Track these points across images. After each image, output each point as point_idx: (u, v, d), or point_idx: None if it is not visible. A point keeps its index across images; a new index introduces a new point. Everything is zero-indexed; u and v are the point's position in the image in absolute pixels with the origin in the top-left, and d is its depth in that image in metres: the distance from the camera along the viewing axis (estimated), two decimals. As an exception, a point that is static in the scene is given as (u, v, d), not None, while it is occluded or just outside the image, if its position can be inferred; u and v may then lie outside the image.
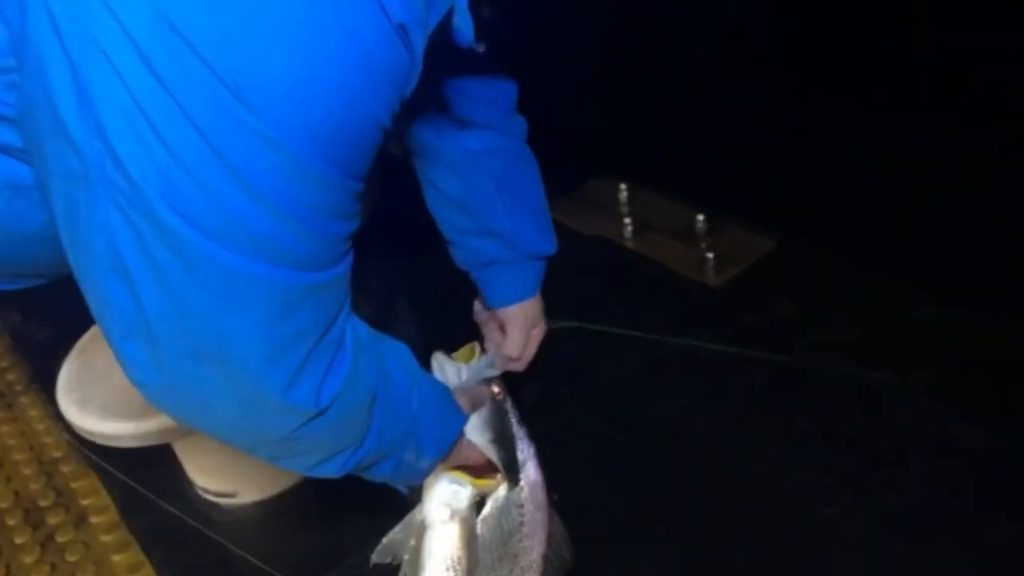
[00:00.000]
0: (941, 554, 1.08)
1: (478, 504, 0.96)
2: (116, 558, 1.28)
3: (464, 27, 0.75)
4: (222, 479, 1.32)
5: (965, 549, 1.07)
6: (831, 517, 1.14)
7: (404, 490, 0.93)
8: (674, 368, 1.40)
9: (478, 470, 0.95)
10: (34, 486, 1.43)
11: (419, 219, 1.28)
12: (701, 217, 1.72)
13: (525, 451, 0.99)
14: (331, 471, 0.81)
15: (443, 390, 0.93)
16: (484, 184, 1.13)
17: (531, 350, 1.22)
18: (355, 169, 0.67)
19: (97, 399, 1.20)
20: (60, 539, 1.33)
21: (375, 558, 0.94)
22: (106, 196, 0.61)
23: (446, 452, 0.91)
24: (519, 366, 1.20)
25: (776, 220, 1.67)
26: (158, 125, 0.59)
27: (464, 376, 0.99)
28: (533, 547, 0.98)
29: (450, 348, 1.05)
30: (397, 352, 0.86)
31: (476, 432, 0.95)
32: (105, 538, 1.32)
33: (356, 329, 0.78)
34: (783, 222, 1.66)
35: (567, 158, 1.85)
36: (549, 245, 1.19)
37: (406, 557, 0.93)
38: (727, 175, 1.76)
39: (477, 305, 1.26)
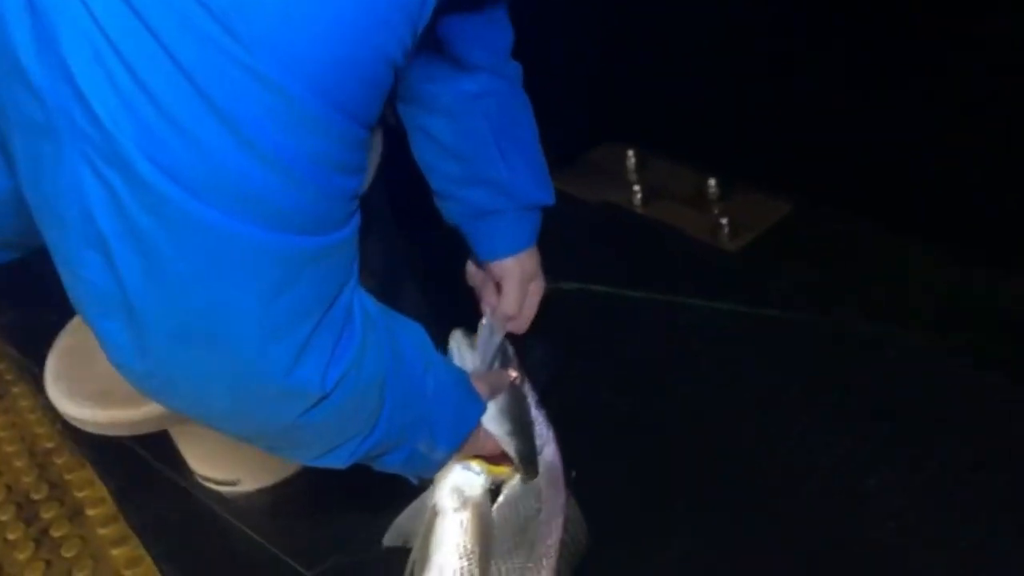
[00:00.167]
0: (988, 525, 1.02)
1: (492, 491, 0.89)
2: (115, 552, 1.23)
3: None
4: (223, 466, 1.27)
5: (1014, 517, 1.02)
6: (871, 489, 1.08)
7: (414, 480, 0.87)
8: (693, 336, 1.33)
9: (494, 456, 0.89)
10: (26, 479, 1.38)
11: (425, 187, 1.22)
12: (713, 182, 1.66)
13: (543, 435, 0.93)
14: (338, 462, 0.75)
15: (461, 376, 0.87)
16: (479, 128, 1.06)
17: (531, 308, 1.16)
18: (362, 113, 0.60)
19: (88, 386, 1.14)
20: (55, 534, 1.28)
21: (386, 541, 0.89)
22: (75, 150, 0.54)
23: (461, 443, 0.85)
24: (519, 326, 1.14)
25: (791, 183, 1.61)
26: (132, 62, 0.52)
27: (477, 351, 0.93)
28: (550, 533, 0.93)
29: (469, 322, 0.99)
30: (410, 331, 0.80)
31: (493, 422, 0.89)
32: (102, 531, 1.26)
33: (364, 303, 0.72)
34: (799, 185, 1.60)
35: (570, 125, 1.80)
36: (546, 194, 1.12)
37: (416, 543, 0.88)
38: (738, 138, 1.69)
39: (470, 267, 1.19)
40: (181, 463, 1.30)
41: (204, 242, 0.57)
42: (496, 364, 0.94)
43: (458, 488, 0.87)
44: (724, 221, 1.57)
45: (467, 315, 1.13)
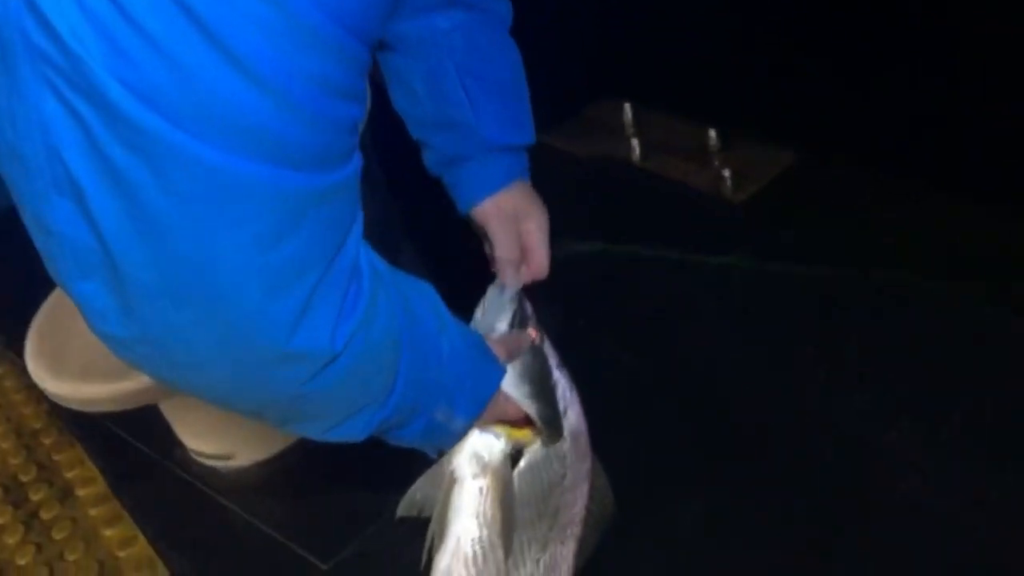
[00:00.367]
0: (1017, 476, 0.99)
1: (513, 456, 0.84)
2: (107, 533, 1.18)
3: None
4: (217, 440, 1.22)
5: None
6: (893, 443, 1.04)
7: (432, 454, 0.82)
8: (702, 292, 1.29)
9: (514, 420, 0.84)
10: (14, 461, 1.33)
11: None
12: (713, 134, 1.61)
13: (567, 397, 0.87)
14: (352, 434, 0.68)
15: (477, 338, 0.80)
16: (444, 66, 0.97)
17: (538, 246, 1.01)
18: (363, 28, 0.53)
19: (69, 361, 1.08)
20: (45, 516, 1.23)
21: (400, 511, 0.83)
22: (35, 76, 0.47)
23: (482, 410, 0.78)
24: (537, 270, 1.00)
25: (794, 132, 1.56)
26: None
27: (489, 315, 0.87)
28: (575, 500, 0.87)
29: (467, 293, 0.92)
30: (420, 290, 0.73)
31: (513, 384, 0.83)
32: (93, 512, 1.21)
33: (372, 257, 0.66)
34: (802, 134, 1.55)
35: (565, 81, 1.73)
36: (516, 135, 1.02)
37: (434, 513, 0.82)
38: (737, 89, 1.63)
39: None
40: (173, 439, 1.25)
41: (193, 180, 0.50)
42: (514, 325, 0.88)
43: (477, 453, 0.81)
44: (726, 173, 1.52)
45: (470, 278, 1.07)
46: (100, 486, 1.24)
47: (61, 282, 0.55)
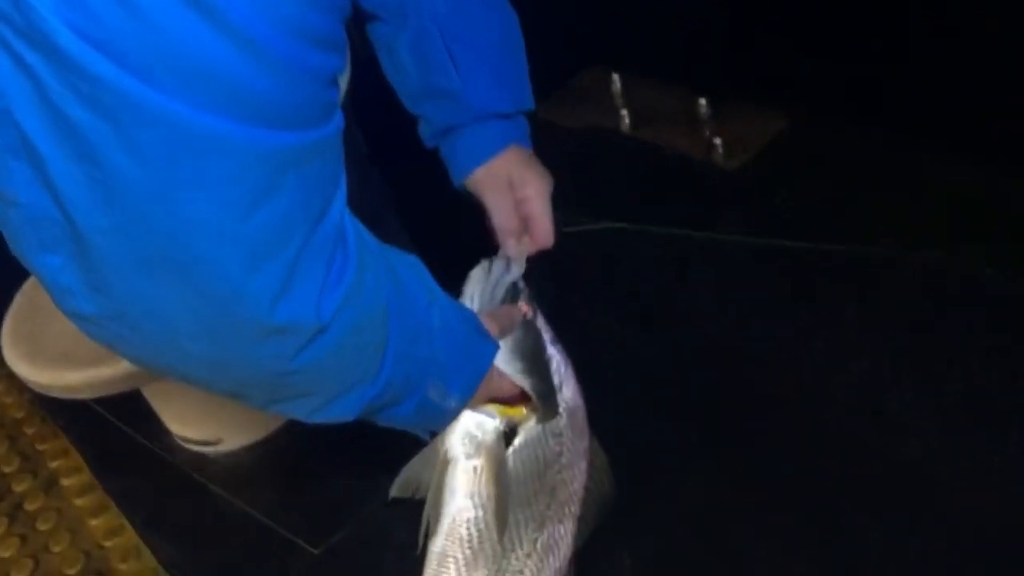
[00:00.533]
0: (1018, 439, 0.97)
1: (508, 434, 0.81)
2: (93, 523, 1.15)
3: None
4: (203, 426, 1.19)
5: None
6: (894, 409, 1.02)
7: (425, 436, 0.79)
8: (698, 260, 1.26)
9: (508, 399, 0.81)
10: (-5, 451, 1.29)
11: (402, 116, 1.12)
12: (703, 101, 1.58)
13: (562, 372, 0.84)
14: (340, 413, 0.64)
15: (468, 313, 0.77)
16: (428, 32, 0.93)
17: (540, 218, 0.95)
18: None
19: (48, 348, 1.05)
20: (29, 507, 1.20)
21: (394, 492, 0.80)
22: None
23: (476, 387, 0.75)
24: (539, 241, 0.95)
25: (786, 97, 1.53)
26: None
27: (488, 288, 0.84)
28: (573, 478, 0.85)
29: (458, 269, 0.89)
30: (408, 263, 0.70)
31: (506, 360, 0.80)
32: (79, 502, 1.18)
33: (357, 226, 0.62)
34: (794, 99, 1.52)
35: (551, 51, 1.69)
36: (511, 101, 0.97)
37: (428, 495, 0.80)
38: (726, 55, 1.61)
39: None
40: (159, 425, 1.22)
41: (159, 139, 0.46)
42: (505, 300, 0.84)
43: (470, 433, 0.78)
44: (718, 141, 1.50)
45: (461, 254, 1.04)
46: (85, 475, 1.21)
47: (23, 256, 0.51)
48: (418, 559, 0.82)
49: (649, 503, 0.98)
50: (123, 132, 0.45)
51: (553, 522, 0.83)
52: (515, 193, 0.97)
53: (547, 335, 0.85)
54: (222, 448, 1.20)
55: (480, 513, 0.80)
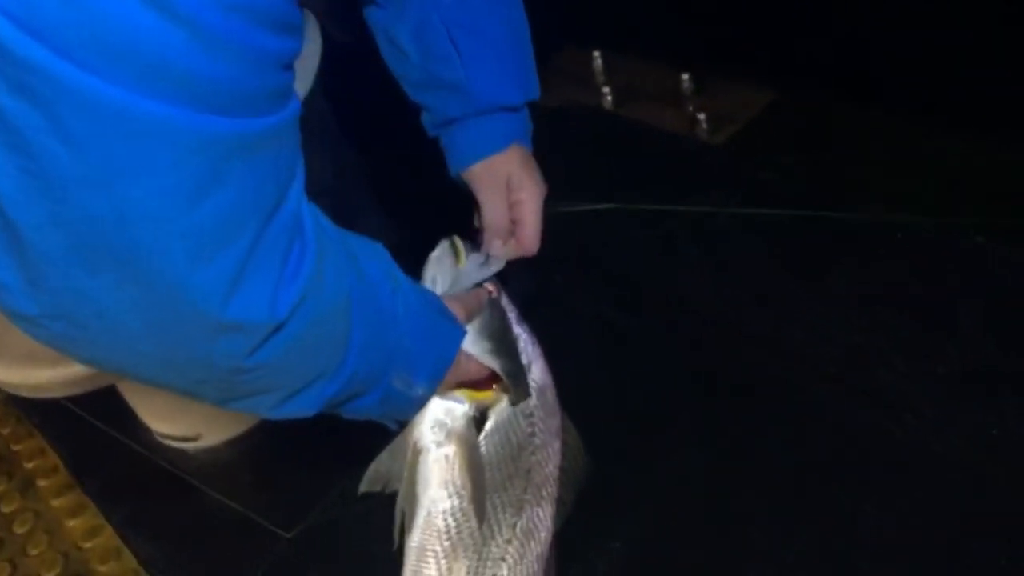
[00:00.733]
0: (1014, 411, 0.94)
1: (478, 419, 0.79)
2: (71, 523, 1.13)
3: None
4: (181, 421, 1.16)
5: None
6: (886, 383, 0.99)
7: (394, 426, 0.76)
8: (685, 238, 1.23)
9: (476, 383, 0.78)
10: (-30, 454, 1.26)
11: (381, 97, 1.09)
12: (686, 77, 1.56)
13: (529, 352, 0.83)
14: (302, 408, 0.62)
15: (433, 299, 0.75)
16: (431, 21, 0.91)
17: (531, 218, 0.93)
18: None
19: (15, 346, 1.01)
20: (5, 509, 1.17)
21: (363, 487, 0.79)
22: None
23: (443, 374, 0.73)
24: (524, 247, 0.94)
25: (771, 70, 1.50)
26: None
27: (458, 278, 0.81)
28: (548, 459, 0.83)
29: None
30: (371, 250, 0.68)
31: (473, 343, 0.78)
32: (56, 503, 1.16)
33: (317, 215, 0.59)
34: (779, 72, 1.49)
35: (531, 30, 1.67)
36: (518, 93, 0.95)
37: (400, 488, 0.77)
38: (709, 29, 1.57)
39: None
40: (137, 422, 1.19)
41: (94, 126, 0.44)
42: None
43: (439, 420, 0.76)
44: (702, 116, 1.48)
45: (438, 236, 1.01)
46: (62, 476, 1.19)
47: None
48: (396, 555, 0.80)
49: (639, 486, 0.95)
50: (56, 120, 0.43)
51: (531, 505, 0.82)
52: (510, 194, 0.95)
53: (512, 314, 0.82)
54: (202, 444, 1.17)
55: (456, 502, 0.78)
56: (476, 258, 0.85)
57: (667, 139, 1.46)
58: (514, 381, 0.79)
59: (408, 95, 0.98)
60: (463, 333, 0.75)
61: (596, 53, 1.66)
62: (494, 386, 0.79)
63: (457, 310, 0.76)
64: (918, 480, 0.90)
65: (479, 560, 0.79)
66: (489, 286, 0.83)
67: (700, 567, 0.88)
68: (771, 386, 1.02)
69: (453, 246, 0.83)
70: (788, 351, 1.05)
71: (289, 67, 0.53)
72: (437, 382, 0.72)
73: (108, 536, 1.10)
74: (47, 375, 1.00)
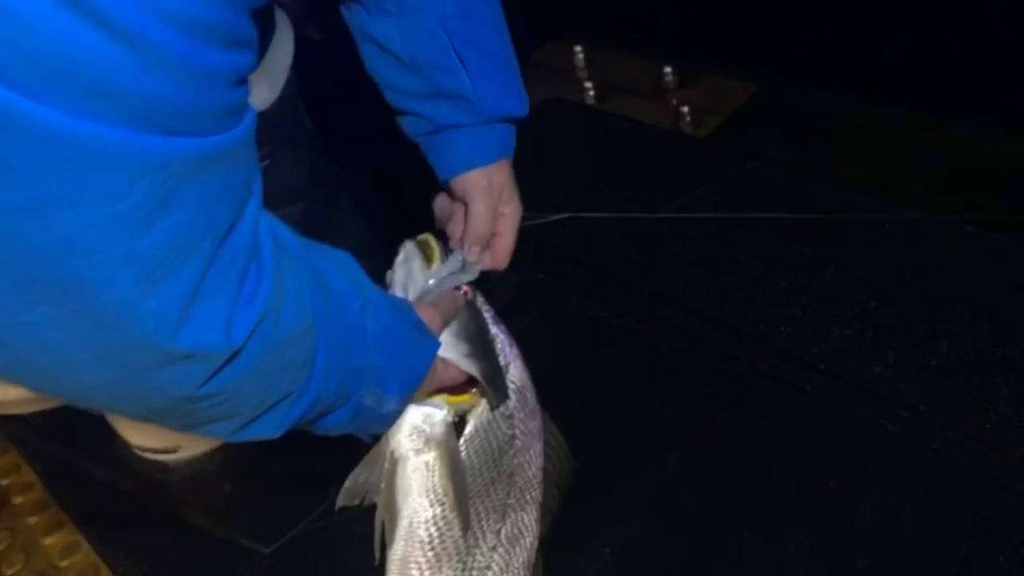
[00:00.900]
0: (1009, 403, 0.92)
1: (457, 424, 0.77)
2: (47, 541, 1.09)
3: None
4: (159, 433, 1.13)
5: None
6: (878, 377, 0.97)
7: (367, 439, 0.74)
8: (671, 232, 1.20)
9: (454, 387, 0.76)
10: (-57, 471, 1.23)
11: (355, 94, 1.06)
12: (669, 69, 1.57)
13: (507, 352, 0.81)
14: (265, 432, 0.60)
15: (406, 310, 0.73)
16: (434, 32, 0.89)
17: (508, 236, 0.97)
18: None
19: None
20: (-20, 528, 1.14)
21: (340, 501, 0.76)
22: None
23: (416, 388, 0.71)
24: (497, 260, 0.96)
25: (754, 61, 1.49)
26: None
27: (430, 282, 0.79)
28: (530, 462, 0.81)
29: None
30: (338, 263, 0.65)
31: (450, 347, 0.76)
32: (32, 520, 1.12)
33: (276, 231, 0.57)
34: (762, 62, 1.48)
35: (511, 25, 1.65)
36: (518, 104, 0.96)
37: (379, 500, 0.75)
38: (690, 21, 1.56)
39: (438, 201, 1.02)
40: (114, 435, 1.16)
41: (30, 151, 0.41)
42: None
43: (417, 427, 0.74)
44: (685, 109, 1.48)
45: (415, 234, 0.99)
46: (38, 492, 1.15)
47: None
48: (379, 569, 0.78)
49: (628, 487, 0.93)
50: None
51: (515, 510, 0.80)
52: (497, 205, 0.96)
53: (488, 314, 0.80)
54: (181, 455, 1.14)
55: (438, 510, 0.76)
56: (453, 261, 0.83)
57: (651, 133, 1.43)
58: (492, 384, 0.77)
59: (393, 102, 0.97)
60: (437, 345, 0.73)
61: (578, 47, 1.65)
62: (472, 389, 0.77)
63: (432, 317, 0.73)
64: (913, 477, 0.88)
65: (464, 569, 0.77)
66: (464, 287, 0.80)
67: (694, 570, 0.86)
68: (761, 383, 1.00)
69: (422, 246, 0.81)
70: (777, 347, 1.03)
71: (242, 82, 0.50)
72: (409, 396, 0.71)
73: (86, 553, 1.07)
74: (15, 391, 0.97)
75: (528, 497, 0.81)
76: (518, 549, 0.79)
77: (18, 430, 1.22)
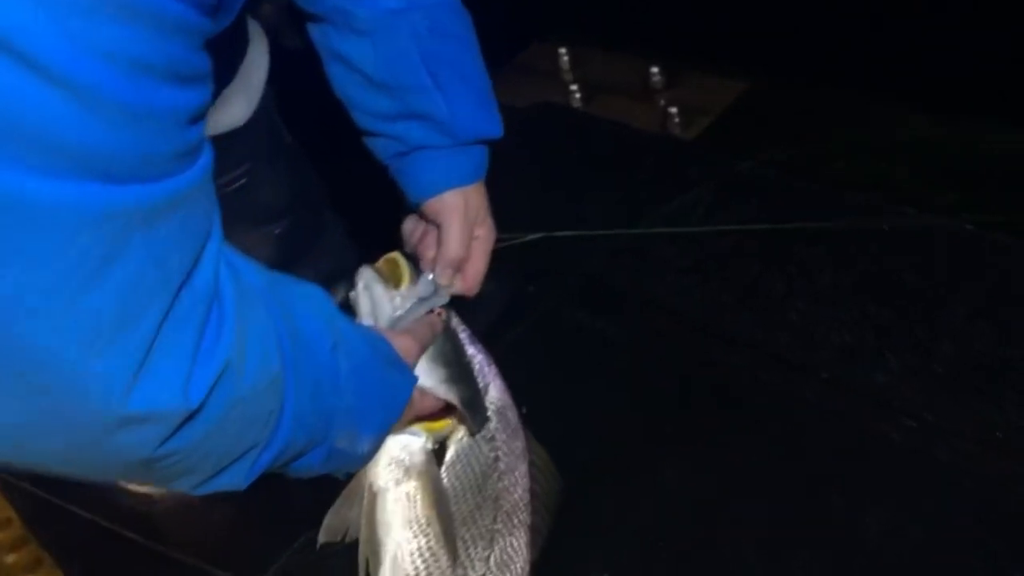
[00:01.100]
0: (1015, 408, 0.89)
1: (437, 451, 0.74)
2: (26, 580, 1.06)
3: None
4: (139, 466, 1.10)
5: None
6: (881, 384, 0.94)
7: (341, 476, 0.71)
8: (664, 240, 1.16)
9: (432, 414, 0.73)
10: (-81, 509, 1.20)
11: (333, 106, 1.03)
12: (656, 70, 1.52)
13: (485, 373, 0.78)
14: (232, 483, 0.56)
15: (381, 345, 0.69)
16: (405, 51, 0.87)
17: (480, 261, 0.93)
18: None
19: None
20: (-42, 567, 1.11)
21: (322, 538, 0.74)
22: None
23: (391, 426, 0.68)
24: (469, 285, 0.92)
25: (743, 59, 1.46)
26: None
27: (399, 305, 0.75)
28: (515, 484, 0.79)
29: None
30: (309, 298, 0.62)
31: (426, 374, 0.73)
32: (11, 559, 1.10)
33: (238, 272, 0.53)
34: (750, 60, 1.46)
35: (493, 28, 1.62)
36: (493, 126, 0.93)
37: (360, 535, 0.72)
38: (677, 20, 1.53)
39: (409, 222, 0.99)
40: (94, 468, 1.13)
41: None
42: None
43: (395, 458, 0.71)
44: (674, 110, 1.44)
45: (398, 246, 0.96)
46: (17, 529, 1.12)
47: None
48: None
49: (625, 505, 0.90)
50: None
51: (503, 535, 0.78)
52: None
53: (464, 334, 0.78)
54: (161, 489, 1.11)
55: (423, 541, 0.74)
56: (424, 284, 0.80)
57: (639, 136, 1.40)
58: (472, 410, 0.75)
59: (360, 123, 0.93)
60: (414, 380, 0.71)
61: (562, 49, 1.62)
62: (450, 414, 0.74)
63: (409, 347, 0.71)
64: (919, 488, 0.85)
65: (453, 600, 0.74)
66: (438, 309, 0.77)
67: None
68: (759, 393, 0.97)
69: (390, 265, 0.78)
70: (775, 355, 1.00)
71: (196, 120, 0.47)
72: (384, 435, 0.68)
73: (65, 591, 1.04)
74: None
75: (516, 521, 0.79)
76: (508, 575, 0.77)
77: (-4, 465, 1.19)
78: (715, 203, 1.19)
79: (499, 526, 0.78)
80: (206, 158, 0.49)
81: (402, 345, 0.69)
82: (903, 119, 1.26)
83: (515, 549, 0.78)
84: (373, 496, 0.72)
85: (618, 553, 0.87)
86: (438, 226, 0.90)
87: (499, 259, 1.13)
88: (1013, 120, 1.16)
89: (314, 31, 0.90)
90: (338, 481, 0.80)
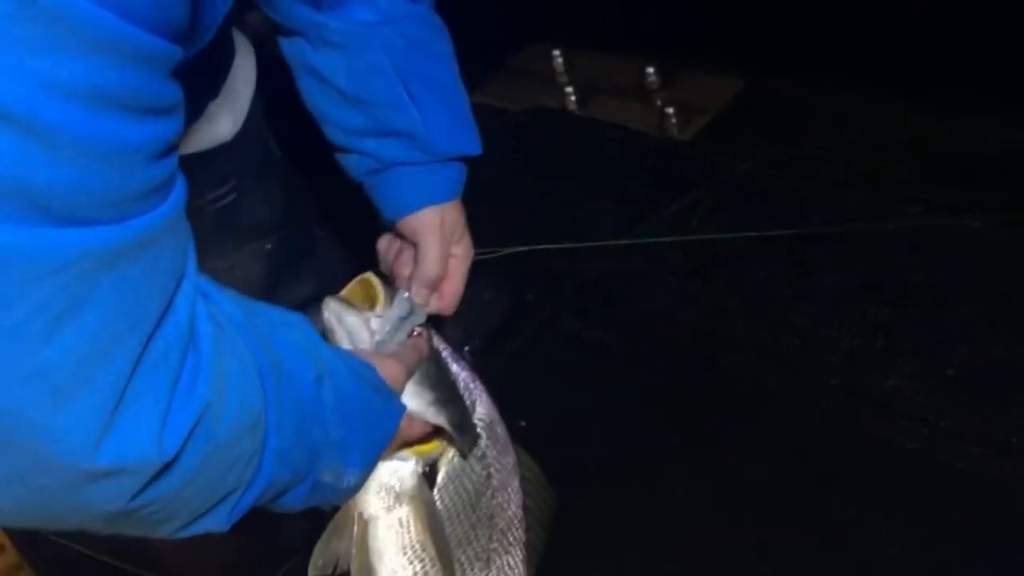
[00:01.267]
0: (1020, 409, 0.87)
1: (427, 473, 0.73)
2: (20, 608, 1.05)
3: None
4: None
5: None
6: (891, 390, 0.92)
7: (327, 508, 0.69)
8: (664, 244, 1.14)
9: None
10: (-90, 537, 1.18)
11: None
12: (651, 69, 1.51)
13: (471, 389, 0.77)
14: (212, 526, 0.54)
15: (366, 371, 0.67)
16: (380, 65, 0.84)
17: (457, 279, 0.91)
18: (149, 13, 0.41)
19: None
20: (-50, 594, 1.09)
21: (311, 572, 0.70)
22: None
23: (378, 457, 0.66)
24: (445, 303, 0.90)
25: (739, 57, 1.45)
26: None
27: (377, 328, 0.73)
28: (509, 501, 0.78)
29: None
30: (291, 327, 0.59)
31: (413, 398, 0.71)
32: (4, 587, 1.08)
33: (214, 306, 0.51)
34: (748, 58, 1.44)
35: (485, 31, 1.61)
36: (470, 143, 0.90)
37: (352, 566, 0.70)
38: (671, 19, 1.51)
39: (384, 240, 0.97)
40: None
41: None
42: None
43: (385, 484, 0.69)
44: (670, 111, 1.42)
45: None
46: (11, 555, 1.12)
47: None
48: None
49: (626, 518, 0.88)
50: None
51: (500, 554, 0.76)
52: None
53: (447, 352, 0.76)
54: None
55: (419, 567, 0.72)
56: (401, 303, 0.78)
57: (636, 137, 1.39)
58: (461, 431, 0.73)
59: (333, 139, 0.91)
60: (402, 409, 0.68)
61: (556, 51, 1.61)
62: (439, 436, 0.72)
63: (396, 372, 0.68)
64: (930, 496, 0.83)
65: (452, 626, 0.72)
66: (418, 329, 0.75)
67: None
68: (766, 399, 0.95)
69: (364, 285, 0.76)
70: (779, 360, 0.98)
71: (166, 153, 0.45)
72: (373, 467, 0.66)
73: (59, 619, 1.02)
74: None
75: (511, 538, 0.78)
76: (508, 594, 0.77)
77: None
78: (715, 204, 1.17)
79: (495, 545, 0.76)
80: (178, 193, 0.46)
81: (389, 372, 0.67)
82: (904, 118, 1.24)
83: (512, 567, 0.77)
84: (364, 524, 0.70)
85: (620, 562, 0.85)
86: (414, 244, 0.88)
87: (498, 268, 1.12)
88: (1015, 117, 1.15)
89: (287, 45, 0.88)
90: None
